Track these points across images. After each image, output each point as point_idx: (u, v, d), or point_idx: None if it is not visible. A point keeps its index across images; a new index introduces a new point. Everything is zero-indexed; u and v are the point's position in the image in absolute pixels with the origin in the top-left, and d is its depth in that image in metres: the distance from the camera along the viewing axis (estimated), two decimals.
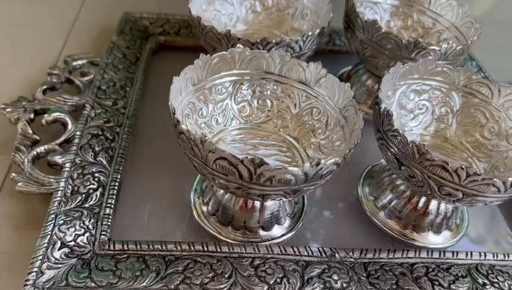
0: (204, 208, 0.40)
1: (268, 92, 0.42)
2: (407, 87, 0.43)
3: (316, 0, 0.50)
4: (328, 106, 0.40)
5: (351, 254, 0.37)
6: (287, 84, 0.41)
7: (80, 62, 0.52)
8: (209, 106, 0.40)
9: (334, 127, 0.39)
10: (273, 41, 0.42)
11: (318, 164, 0.30)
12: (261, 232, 0.39)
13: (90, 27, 0.62)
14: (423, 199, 0.40)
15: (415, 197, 0.40)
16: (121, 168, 0.42)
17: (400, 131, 0.34)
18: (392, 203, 0.41)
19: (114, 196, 0.39)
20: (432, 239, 0.41)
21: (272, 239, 0.39)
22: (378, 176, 0.44)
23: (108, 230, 0.37)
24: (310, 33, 0.43)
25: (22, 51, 0.56)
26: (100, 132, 0.44)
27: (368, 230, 0.42)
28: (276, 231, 0.39)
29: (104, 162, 0.42)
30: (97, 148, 0.43)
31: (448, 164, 0.32)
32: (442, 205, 0.40)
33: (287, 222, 0.40)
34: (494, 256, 0.39)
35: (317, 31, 0.44)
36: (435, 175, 0.33)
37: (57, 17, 0.63)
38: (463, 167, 0.31)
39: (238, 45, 0.40)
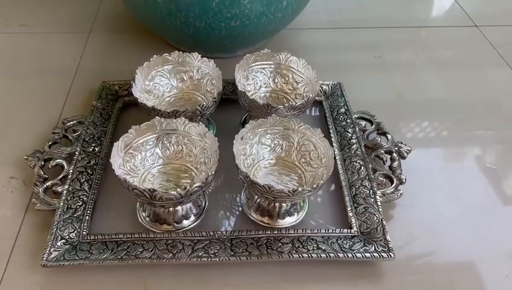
0: (143, 213, 0.68)
1: (180, 140, 0.70)
2: (264, 131, 0.71)
3: (218, 75, 0.78)
4: (211, 149, 0.67)
5: (225, 233, 0.65)
6: (190, 136, 0.69)
7: (71, 122, 0.81)
8: (142, 153, 0.68)
9: (213, 164, 0.66)
10: (181, 110, 0.70)
11: (185, 188, 0.58)
12: (176, 225, 0.67)
13: (79, 93, 0.91)
14: None
15: None
16: (95, 192, 0.71)
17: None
18: (256, 202, 0.69)
19: (91, 209, 0.68)
20: (281, 222, 0.68)
21: (183, 228, 0.67)
22: None
23: (87, 228, 0.66)
24: (204, 103, 0.71)
25: (35, 113, 0.86)
26: (84, 170, 0.73)
27: (245, 221, 0.70)
28: (185, 223, 0.67)
29: (86, 189, 0.70)
30: (82, 180, 0.71)
31: (266, 185, 0.60)
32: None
33: (192, 218, 0.68)
34: (311, 231, 0.66)
35: (209, 101, 0.72)
36: (257, 188, 0.61)
37: (56, 88, 0.92)
38: (269, 185, 0.59)
39: (157, 117, 0.68)
